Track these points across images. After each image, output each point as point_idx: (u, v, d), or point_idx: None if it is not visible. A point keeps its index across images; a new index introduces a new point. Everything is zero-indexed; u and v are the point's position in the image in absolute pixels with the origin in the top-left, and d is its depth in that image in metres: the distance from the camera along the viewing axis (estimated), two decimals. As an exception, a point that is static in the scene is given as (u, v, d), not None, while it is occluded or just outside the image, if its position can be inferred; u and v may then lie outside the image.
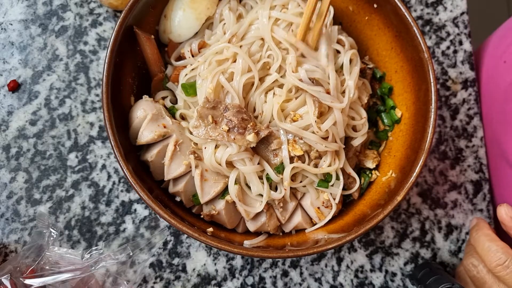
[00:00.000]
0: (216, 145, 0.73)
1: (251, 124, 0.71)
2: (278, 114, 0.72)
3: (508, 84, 0.88)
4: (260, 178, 0.74)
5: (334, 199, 0.77)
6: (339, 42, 0.80)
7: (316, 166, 0.75)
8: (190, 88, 0.76)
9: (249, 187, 0.74)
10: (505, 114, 0.88)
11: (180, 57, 0.81)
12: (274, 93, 0.74)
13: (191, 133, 0.75)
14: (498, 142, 0.90)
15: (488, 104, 0.93)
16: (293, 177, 0.74)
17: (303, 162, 0.73)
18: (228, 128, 0.71)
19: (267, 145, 0.73)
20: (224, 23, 0.79)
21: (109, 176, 0.87)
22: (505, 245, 0.73)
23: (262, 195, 0.73)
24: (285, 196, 0.74)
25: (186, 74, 0.78)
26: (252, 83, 0.74)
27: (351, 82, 0.76)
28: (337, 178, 0.76)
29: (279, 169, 0.73)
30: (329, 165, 0.74)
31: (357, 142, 0.79)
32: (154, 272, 0.85)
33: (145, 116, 0.74)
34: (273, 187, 0.75)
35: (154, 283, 0.84)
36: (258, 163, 0.73)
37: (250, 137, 0.70)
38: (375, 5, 0.80)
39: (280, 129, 0.73)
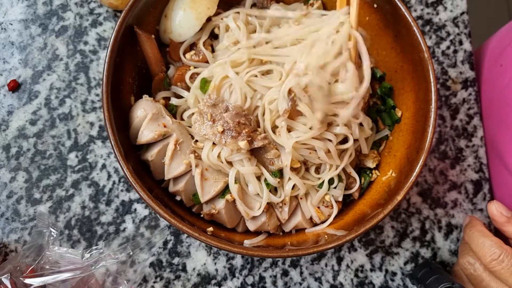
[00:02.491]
0: (213, 143, 0.73)
1: (247, 130, 0.71)
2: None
3: (503, 88, 0.89)
4: (259, 179, 0.74)
5: (336, 201, 0.77)
6: None
7: (318, 168, 0.75)
8: (206, 84, 0.76)
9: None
10: (501, 117, 0.89)
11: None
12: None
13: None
14: (495, 144, 0.91)
15: (486, 106, 0.94)
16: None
17: (299, 173, 0.74)
18: (222, 130, 0.71)
19: (264, 153, 0.73)
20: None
21: (109, 176, 0.87)
22: (498, 240, 0.73)
23: (259, 195, 0.74)
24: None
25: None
26: None
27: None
28: (340, 181, 0.77)
29: (276, 174, 0.73)
30: (329, 170, 0.75)
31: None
32: (154, 271, 0.85)
33: (145, 115, 0.74)
34: (272, 188, 0.75)
35: (154, 282, 0.84)
36: (256, 165, 0.73)
37: (242, 144, 0.70)
38: (375, 5, 0.80)
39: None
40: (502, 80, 0.90)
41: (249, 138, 0.71)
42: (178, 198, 0.77)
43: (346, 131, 0.73)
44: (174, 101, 0.79)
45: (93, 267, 0.75)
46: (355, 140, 0.79)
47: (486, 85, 0.95)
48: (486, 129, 0.94)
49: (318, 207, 0.76)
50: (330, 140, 0.73)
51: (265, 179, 0.73)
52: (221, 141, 0.71)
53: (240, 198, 0.73)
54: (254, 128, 0.73)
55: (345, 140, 0.79)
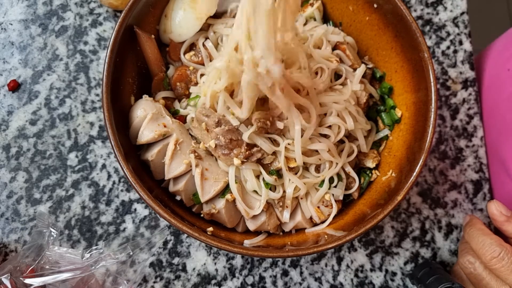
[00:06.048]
0: None
1: (236, 152, 0.71)
2: None
3: (510, 93, 0.88)
4: (258, 178, 0.74)
5: (336, 200, 0.77)
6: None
7: (318, 167, 0.75)
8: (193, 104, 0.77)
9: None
10: (505, 123, 0.88)
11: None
12: None
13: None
14: (497, 150, 0.90)
15: (489, 111, 0.93)
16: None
17: (297, 172, 0.74)
18: (215, 145, 0.71)
19: (262, 158, 0.74)
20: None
21: (109, 176, 0.87)
22: (498, 238, 0.73)
23: (257, 192, 0.74)
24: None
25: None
26: None
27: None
28: (340, 179, 0.77)
29: (273, 172, 0.73)
30: (329, 168, 0.75)
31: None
32: (154, 271, 0.85)
33: (145, 115, 0.74)
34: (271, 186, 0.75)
35: (154, 282, 0.84)
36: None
37: (235, 161, 0.71)
38: (375, 5, 0.80)
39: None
40: (509, 85, 0.89)
41: (245, 160, 0.71)
42: (178, 198, 0.77)
43: (339, 121, 0.73)
44: (182, 112, 0.79)
45: (93, 267, 0.75)
46: (355, 139, 0.80)
47: (491, 89, 0.94)
48: (488, 133, 0.93)
49: (318, 207, 0.76)
50: (327, 136, 0.73)
51: (263, 179, 0.73)
52: (216, 154, 0.72)
53: (240, 196, 0.73)
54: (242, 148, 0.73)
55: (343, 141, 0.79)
